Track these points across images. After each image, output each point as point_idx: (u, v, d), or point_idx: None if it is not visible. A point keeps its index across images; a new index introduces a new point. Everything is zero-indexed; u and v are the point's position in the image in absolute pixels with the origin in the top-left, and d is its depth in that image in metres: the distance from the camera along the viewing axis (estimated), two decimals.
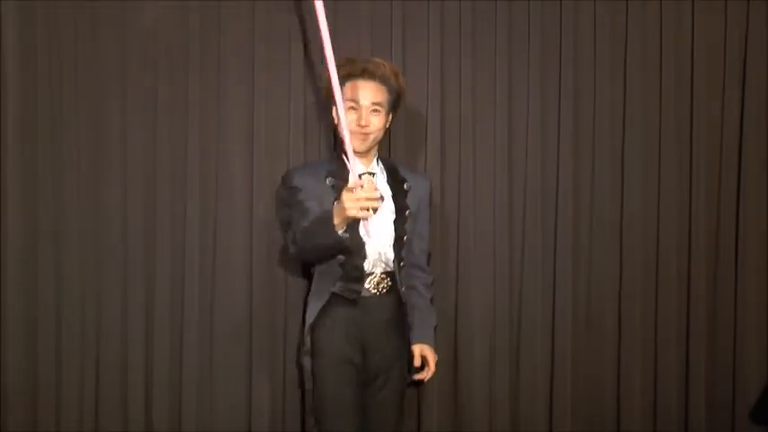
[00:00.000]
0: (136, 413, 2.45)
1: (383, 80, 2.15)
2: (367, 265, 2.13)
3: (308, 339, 2.13)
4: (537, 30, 2.54)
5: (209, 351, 2.46)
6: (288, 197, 2.17)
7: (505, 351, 2.55)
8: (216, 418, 2.47)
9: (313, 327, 2.13)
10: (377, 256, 2.14)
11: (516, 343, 2.56)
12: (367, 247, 2.12)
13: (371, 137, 2.14)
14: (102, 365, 2.45)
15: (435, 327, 2.31)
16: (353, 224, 1.99)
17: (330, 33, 2.41)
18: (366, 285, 2.13)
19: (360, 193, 1.86)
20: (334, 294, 2.12)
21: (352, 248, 2.07)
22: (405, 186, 2.23)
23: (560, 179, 2.56)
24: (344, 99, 2.11)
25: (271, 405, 2.47)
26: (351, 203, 1.86)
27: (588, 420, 2.58)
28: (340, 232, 1.94)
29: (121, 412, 2.46)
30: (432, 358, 2.25)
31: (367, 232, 1.94)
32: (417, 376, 2.27)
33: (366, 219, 1.88)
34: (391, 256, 2.17)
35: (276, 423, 2.48)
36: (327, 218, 1.94)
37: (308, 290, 2.23)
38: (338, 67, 2.13)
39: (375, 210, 1.90)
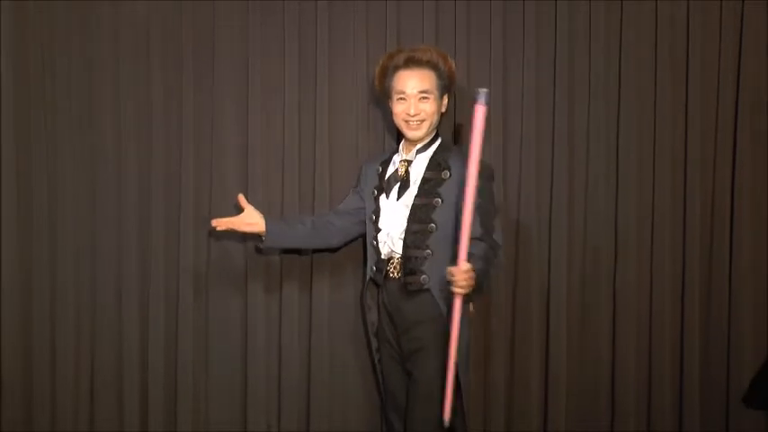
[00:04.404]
0: (131, 414, 2.46)
1: (430, 66, 2.20)
2: (385, 250, 2.23)
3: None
4: (531, 29, 2.53)
5: (205, 351, 2.47)
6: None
7: (500, 349, 2.54)
8: (211, 418, 2.48)
9: (362, 304, 2.38)
10: (389, 242, 2.21)
11: (511, 341, 2.56)
12: (381, 234, 2.23)
13: (425, 124, 2.19)
14: (96, 366, 2.46)
15: (487, 268, 2.08)
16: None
17: (326, 33, 2.45)
18: (388, 269, 2.23)
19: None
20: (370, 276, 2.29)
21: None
22: (443, 175, 2.18)
23: (555, 176, 2.55)
24: (393, 91, 2.21)
25: (266, 405, 2.48)
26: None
27: (582, 410, 2.58)
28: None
29: (116, 413, 2.46)
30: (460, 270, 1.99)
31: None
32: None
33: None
34: (399, 244, 2.18)
35: (272, 423, 2.48)
36: None
37: None
38: (384, 60, 2.26)
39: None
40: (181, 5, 2.41)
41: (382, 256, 2.24)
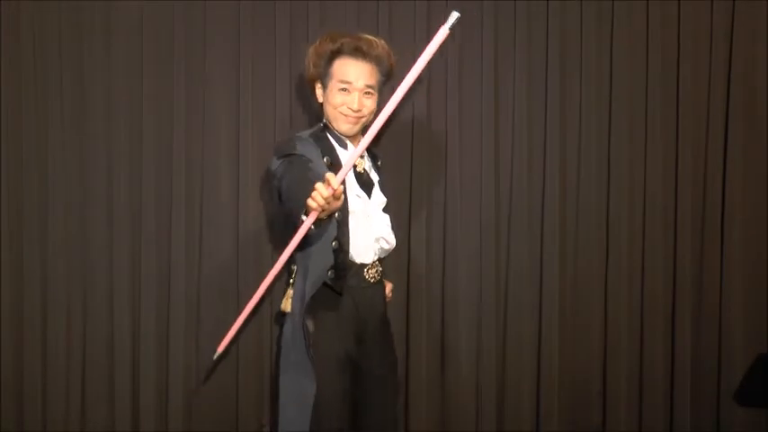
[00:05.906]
0: (122, 414, 2.45)
1: (377, 61, 2.04)
2: (365, 256, 2.04)
3: (302, 329, 1.97)
4: (523, 29, 2.54)
5: (196, 351, 2.47)
6: (294, 162, 1.93)
7: (492, 348, 2.54)
8: (203, 418, 2.47)
9: (305, 316, 1.96)
10: (376, 244, 2.07)
11: (502, 339, 2.56)
12: (363, 236, 2.02)
13: (363, 120, 2.05)
14: (87, 366, 2.46)
15: None
16: (344, 220, 1.97)
17: (317, 34, 2.44)
18: (365, 275, 2.04)
19: (324, 192, 1.65)
20: (326, 284, 1.97)
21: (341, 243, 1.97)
22: (378, 163, 2.21)
23: (547, 170, 2.56)
24: (333, 79, 2.02)
25: (258, 405, 2.47)
26: (316, 197, 1.65)
27: (574, 410, 2.59)
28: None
29: (108, 412, 2.46)
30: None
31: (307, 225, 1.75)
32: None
33: (311, 213, 1.72)
34: (392, 239, 2.12)
35: (264, 422, 2.46)
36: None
37: (290, 270, 2.08)
38: (324, 41, 2.05)
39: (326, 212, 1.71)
40: (173, 5, 2.43)
41: (366, 260, 2.05)
